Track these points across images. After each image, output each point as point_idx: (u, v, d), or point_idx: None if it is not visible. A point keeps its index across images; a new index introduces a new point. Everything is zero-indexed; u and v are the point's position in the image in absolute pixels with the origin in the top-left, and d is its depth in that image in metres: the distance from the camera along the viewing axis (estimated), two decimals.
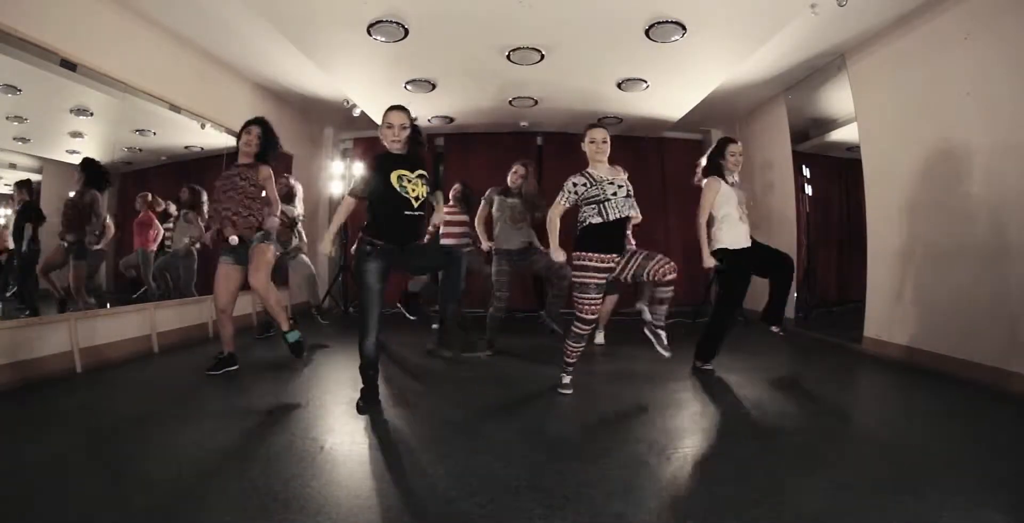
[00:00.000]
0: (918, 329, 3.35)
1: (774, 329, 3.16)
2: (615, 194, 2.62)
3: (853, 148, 4.03)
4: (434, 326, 4.44)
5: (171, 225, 4.13)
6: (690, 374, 3.12)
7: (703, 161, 3.25)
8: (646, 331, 2.87)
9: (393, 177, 2.41)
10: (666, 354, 2.81)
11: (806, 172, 4.85)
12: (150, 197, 3.97)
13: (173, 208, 4.14)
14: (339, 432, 2.16)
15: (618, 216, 2.61)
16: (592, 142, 2.70)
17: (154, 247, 4.03)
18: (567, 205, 2.66)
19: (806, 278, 4.83)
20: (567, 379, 2.74)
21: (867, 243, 3.86)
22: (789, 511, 1.47)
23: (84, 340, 3.11)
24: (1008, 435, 2.13)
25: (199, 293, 4.19)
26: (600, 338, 4.09)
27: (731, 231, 3.03)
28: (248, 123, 3.10)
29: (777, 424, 2.31)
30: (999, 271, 2.82)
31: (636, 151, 6.02)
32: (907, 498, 1.55)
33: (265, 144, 3.10)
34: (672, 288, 2.67)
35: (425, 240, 2.70)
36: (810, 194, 4.85)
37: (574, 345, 2.71)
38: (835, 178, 5.08)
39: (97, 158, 3.34)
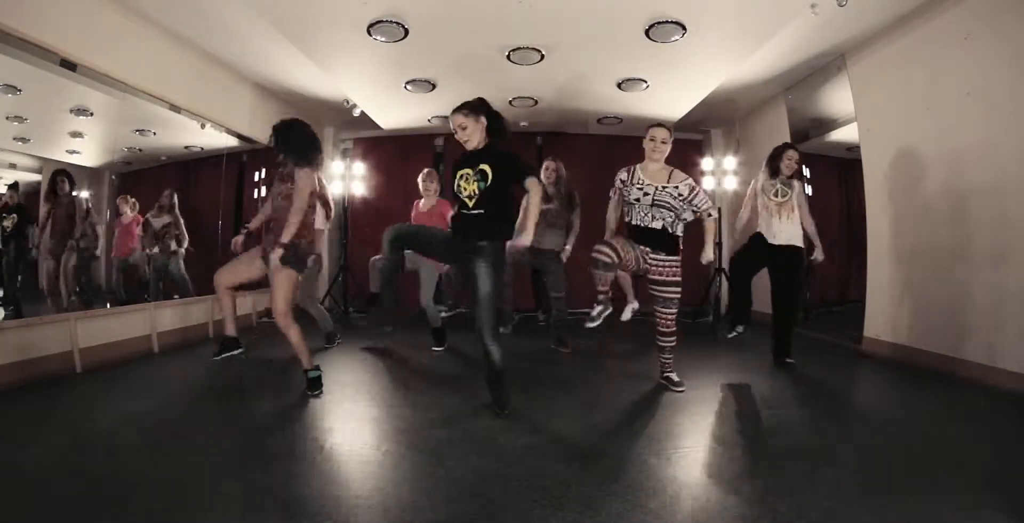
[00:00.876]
0: (918, 329, 3.35)
1: (788, 361, 3.31)
2: (638, 200, 2.68)
3: (853, 148, 4.03)
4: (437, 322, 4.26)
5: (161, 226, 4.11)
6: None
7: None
8: (661, 380, 2.89)
9: (457, 177, 2.39)
10: (679, 390, 2.77)
11: (806, 172, 4.84)
12: (131, 200, 3.85)
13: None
14: (339, 432, 2.16)
15: (642, 224, 2.68)
16: (651, 140, 2.74)
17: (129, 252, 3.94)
18: (615, 196, 2.79)
19: (806, 278, 4.82)
20: (595, 310, 2.76)
21: (867, 243, 3.86)
22: (789, 511, 1.47)
23: (84, 340, 3.11)
24: (1008, 435, 2.13)
25: (197, 293, 4.19)
26: (627, 314, 3.98)
27: (761, 222, 3.29)
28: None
29: (777, 424, 2.31)
30: (999, 271, 2.82)
31: (636, 151, 6.02)
32: (907, 498, 1.55)
33: (286, 147, 2.72)
34: (671, 340, 2.79)
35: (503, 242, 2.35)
36: (810, 194, 4.84)
37: (598, 272, 2.65)
38: (835, 178, 5.08)
39: (94, 157, 3.35)
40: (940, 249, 3.21)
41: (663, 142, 2.71)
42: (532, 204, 2.28)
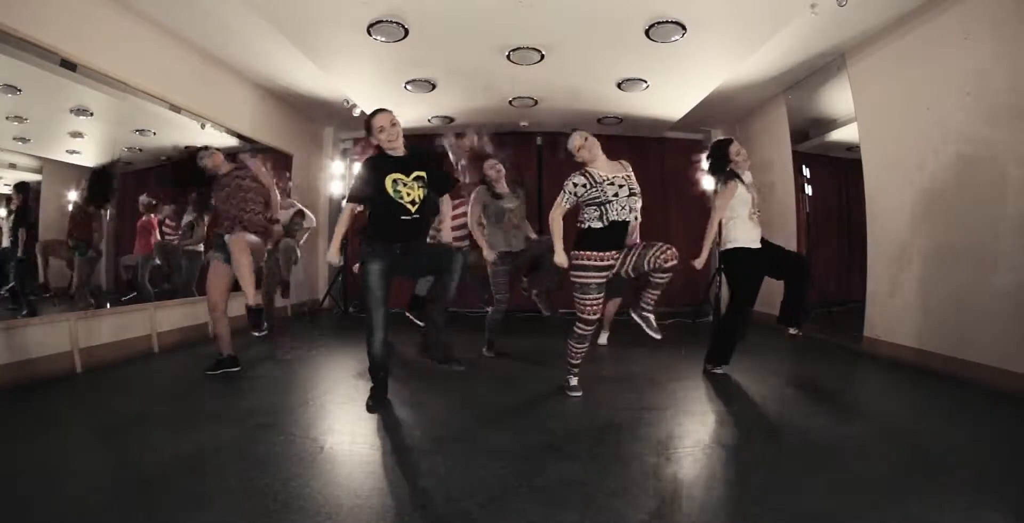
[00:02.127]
0: (918, 329, 3.35)
1: (792, 330, 3.15)
2: (616, 195, 2.54)
3: (853, 148, 4.03)
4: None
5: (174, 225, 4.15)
6: (702, 376, 3.08)
7: (705, 166, 3.22)
8: (635, 316, 2.80)
9: (388, 182, 2.40)
10: (657, 336, 2.76)
11: (806, 172, 4.85)
12: (153, 201, 3.96)
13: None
14: (339, 432, 2.16)
15: (620, 218, 2.54)
16: (581, 148, 2.63)
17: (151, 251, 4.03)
18: (568, 206, 2.59)
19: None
20: (574, 381, 2.71)
21: (867, 243, 3.86)
22: (789, 511, 1.47)
23: (84, 340, 3.11)
24: (1008, 435, 2.13)
25: (198, 293, 4.19)
26: (603, 339, 4.08)
27: (745, 231, 2.99)
28: (195, 158, 3.14)
29: (777, 424, 2.31)
30: (999, 271, 2.82)
31: (636, 151, 6.02)
32: (907, 498, 1.55)
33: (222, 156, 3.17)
34: (670, 275, 2.57)
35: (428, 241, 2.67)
36: (810, 194, 4.84)
37: (577, 346, 2.67)
38: (835, 178, 5.08)
39: (102, 162, 3.39)
40: (940, 249, 3.21)
41: (587, 140, 2.62)
42: (447, 215, 2.73)
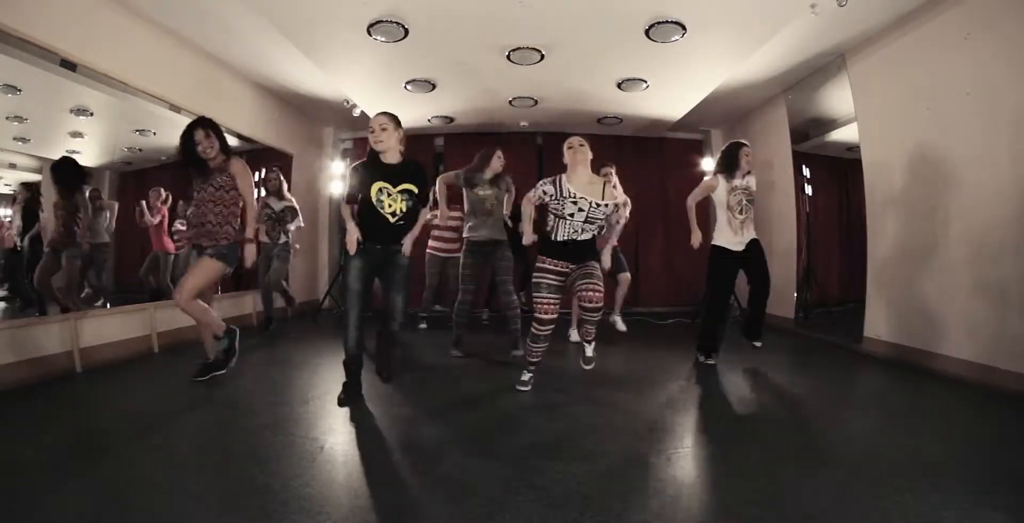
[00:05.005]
0: (918, 329, 3.35)
1: (756, 344, 3.34)
2: (572, 215, 2.57)
3: (853, 148, 4.03)
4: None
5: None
6: (692, 367, 3.18)
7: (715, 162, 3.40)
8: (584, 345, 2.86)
9: (373, 189, 2.45)
10: (585, 367, 2.85)
11: (806, 172, 4.85)
12: (164, 194, 3.98)
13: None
14: (339, 432, 2.16)
15: (564, 238, 2.61)
16: (569, 148, 2.65)
17: (173, 248, 4.07)
18: (536, 202, 2.69)
19: (806, 278, 4.82)
20: (526, 376, 2.78)
21: (867, 243, 3.86)
22: (789, 511, 1.47)
23: (84, 340, 3.11)
24: (1008, 435, 2.13)
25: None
26: (621, 325, 4.09)
27: (721, 231, 3.24)
28: (192, 127, 2.76)
29: (777, 424, 2.31)
30: (999, 271, 2.82)
31: (636, 151, 6.03)
32: (907, 498, 1.55)
33: (221, 140, 2.83)
34: (597, 317, 2.65)
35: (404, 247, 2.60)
36: (810, 194, 4.84)
37: (534, 346, 2.72)
38: (835, 178, 5.07)
39: (94, 157, 3.35)
40: (940, 249, 3.21)
41: (581, 145, 2.64)
42: (419, 225, 2.67)
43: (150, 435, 2.09)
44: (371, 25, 3.30)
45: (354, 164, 2.57)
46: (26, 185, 3.06)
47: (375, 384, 2.88)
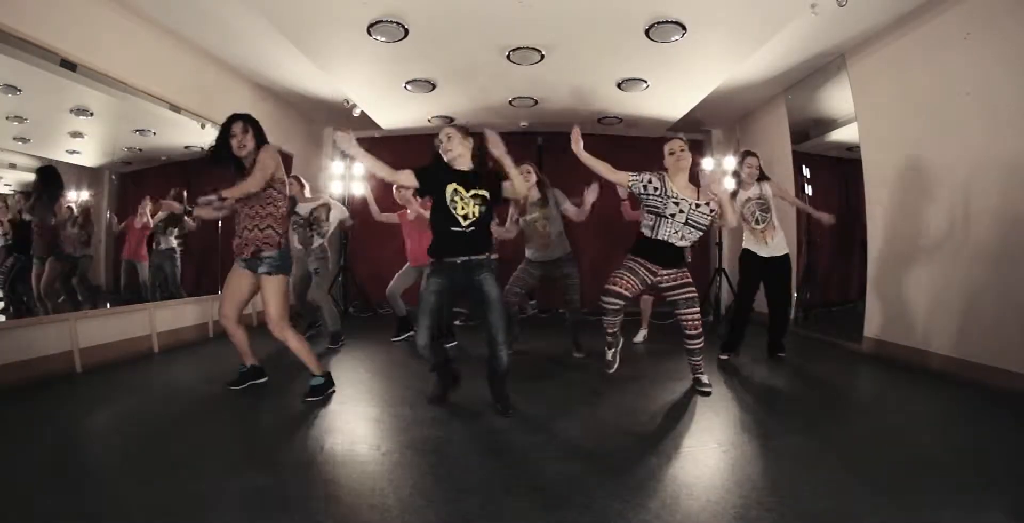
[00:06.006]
0: (918, 329, 3.35)
1: (781, 355, 3.51)
2: (672, 216, 2.62)
3: (853, 148, 4.03)
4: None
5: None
6: (717, 367, 3.24)
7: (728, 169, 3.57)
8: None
9: (448, 190, 2.35)
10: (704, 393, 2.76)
11: (806, 172, 4.85)
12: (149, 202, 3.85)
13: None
14: (339, 432, 2.16)
15: (665, 238, 2.64)
16: (671, 154, 2.69)
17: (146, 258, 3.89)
18: (628, 184, 2.65)
19: (806, 278, 4.82)
20: (609, 355, 2.86)
21: (867, 243, 3.86)
22: (789, 511, 1.47)
23: (84, 340, 3.11)
24: (1008, 435, 2.13)
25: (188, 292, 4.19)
26: (640, 337, 4.14)
27: (747, 237, 3.40)
28: (231, 119, 2.66)
29: (777, 424, 2.31)
30: (999, 271, 2.82)
31: (636, 151, 6.01)
32: (907, 498, 1.55)
33: (259, 137, 2.71)
34: (698, 342, 2.72)
35: (489, 257, 2.44)
36: (810, 194, 4.84)
37: (607, 319, 2.79)
38: (835, 178, 5.07)
39: (93, 157, 3.35)
40: (940, 249, 3.21)
41: (682, 150, 2.69)
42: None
43: (150, 435, 2.09)
44: (371, 25, 3.30)
45: (423, 165, 2.47)
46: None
47: (382, 388, 2.87)
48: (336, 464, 1.83)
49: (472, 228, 2.34)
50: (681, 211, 2.61)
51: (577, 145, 2.63)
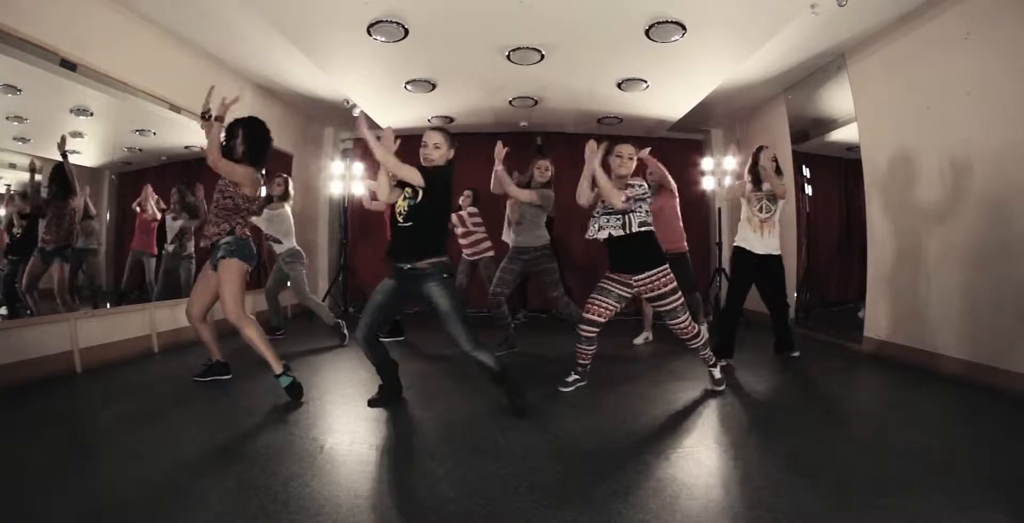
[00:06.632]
0: (917, 329, 3.34)
1: (794, 354, 3.55)
2: (598, 213, 2.68)
3: (853, 148, 4.03)
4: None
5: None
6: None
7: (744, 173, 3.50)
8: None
9: (400, 198, 2.40)
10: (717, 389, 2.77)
11: (806, 172, 4.85)
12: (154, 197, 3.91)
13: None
14: (339, 432, 2.16)
15: (594, 236, 2.68)
16: (618, 156, 2.69)
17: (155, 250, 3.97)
18: (623, 196, 2.56)
19: (806, 278, 4.83)
20: (571, 378, 2.82)
21: (867, 243, 3.86)
22: (789, 511, 1.47)
23: (84, 340, 3.11)
24: (1008, 435, 2.13)
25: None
26: (640, 339, 4.14)
27: (742, 230, 3.37)
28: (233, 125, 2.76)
29: (777, 424, 2.31)
30: (999, 271, 2.82)
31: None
32: (907, 498, 1.55)
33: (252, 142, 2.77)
34: (696, 341, 2.72)
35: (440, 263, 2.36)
36: (810, 194, 4.84)
37: (580, 347, 2.81)
38: (835, 178, 5.07)
39: (93, 157, 3.37)
40: (940, 249, 3.21)
41: (630, 159, 2.69)
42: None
43: (150, 435, 2.09)
44: (371, 25, 3.30)
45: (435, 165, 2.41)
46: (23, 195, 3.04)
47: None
48: (336, 464, 1.83)
49: (409, 223, 2.33)
50: (601, 202, 2.67)
51: (594, 161, 2.59)
